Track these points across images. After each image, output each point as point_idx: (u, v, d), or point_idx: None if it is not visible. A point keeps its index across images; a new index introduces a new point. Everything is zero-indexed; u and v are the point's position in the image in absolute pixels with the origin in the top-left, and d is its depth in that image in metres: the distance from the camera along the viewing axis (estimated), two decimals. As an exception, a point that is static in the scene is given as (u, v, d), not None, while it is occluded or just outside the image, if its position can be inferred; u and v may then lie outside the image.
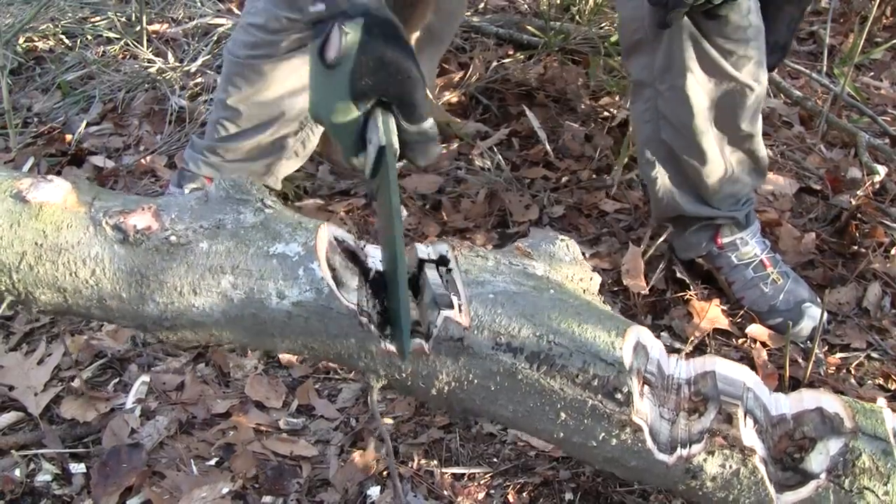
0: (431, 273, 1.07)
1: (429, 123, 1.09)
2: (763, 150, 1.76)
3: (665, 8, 1.47)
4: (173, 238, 1.04)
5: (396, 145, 1.07)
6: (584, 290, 1.14)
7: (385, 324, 1.05)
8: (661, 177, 1.76)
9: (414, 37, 2.07)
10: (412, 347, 1.03)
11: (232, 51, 1.80)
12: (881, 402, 1.56)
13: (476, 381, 1.06)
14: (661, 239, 1.83)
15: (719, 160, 1.71)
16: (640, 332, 1.06)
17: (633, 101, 1.79)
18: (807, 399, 1.05)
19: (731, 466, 1.03)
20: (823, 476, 1.01)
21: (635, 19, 1.65)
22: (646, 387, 1.05)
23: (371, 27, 1.06)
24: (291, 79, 1.77)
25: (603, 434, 1.05)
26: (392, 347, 1.04)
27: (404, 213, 2.03)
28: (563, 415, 1.05)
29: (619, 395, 1.02)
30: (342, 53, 1.05)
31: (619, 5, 1.70)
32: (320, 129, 1.88)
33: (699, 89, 1.63)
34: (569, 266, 1.14)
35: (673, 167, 1.75)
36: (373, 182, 1.09)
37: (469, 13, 2.75)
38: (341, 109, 1.06)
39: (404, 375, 1.06)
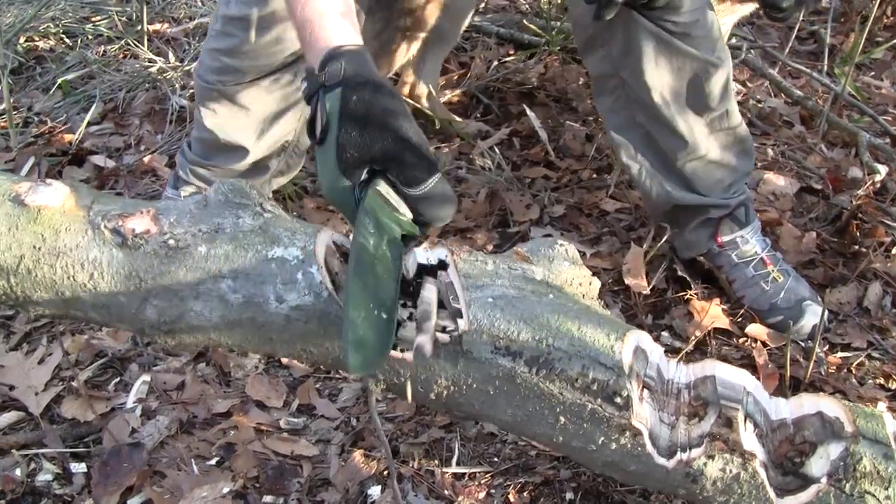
0: (428, 291, 1.03)
1: (430, 184, 1.03)
2: (743, 129, 1.76)
3: (599, 4, 1.50)
4: (172, 242, 1.04)
5: (378, 200, 1.02)
6: (584, 295, 1.14)
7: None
8: (643, 165, 1.77)
9: (420, 38, 2.07)
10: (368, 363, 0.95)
11: (201, 75, 1.76)
12: (882, 405, 1.56)
13: (475, 385, 1.06)
14: (664, 240, 1.83)
15: (696, 142, 1.71)
16: (639, 337, 1.06)
17: (598, 99, 1.80)
18: (807, 403, 1.05)
19: (731, 471, 1.03)
20: (824, 480, 1.01)
21: (584, 15, 1.65)
22: (645, 391, 1.05)
23: (348, 96, 1.02)
24: (264, 103, 1.73)
25: (602, 438, 1.05)
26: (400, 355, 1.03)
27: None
28: (562, 419, 1.05)
29: (618, 399, 1.02)
30: (325, 128, 1.03)
31: (570, 4, 1.71)
32: (304, 148, 1.86)
33: (660, 71, 1.64)
34: (568, 270, 1.14)
35: (653, 153, 1.75)
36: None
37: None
38: (335, 184, 1.03)
39: (403, 380, 1.06)
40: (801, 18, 2.62)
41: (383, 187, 1.03)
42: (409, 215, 1.05)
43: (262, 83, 1.71)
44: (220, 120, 1.76)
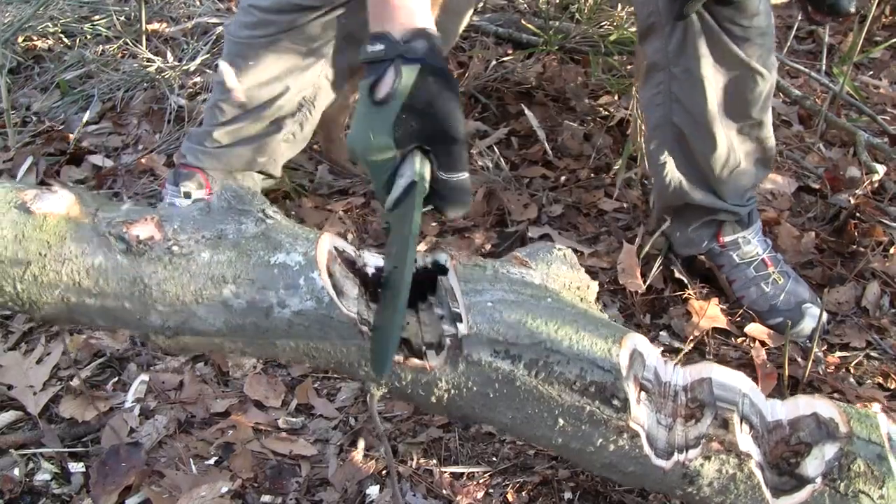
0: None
1: (464, 175, 1.10)
2: (772, 141, 1.76)
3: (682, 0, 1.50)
4: (176, 248, 1.05)
5: (427, 184, 1.08)
6: (582, 298, 1.15)
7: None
8: (669, 162, 1.76)
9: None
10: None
11: (232, 32, 1.82)
12: (877, 407, 1.56)
13: (475, 388, 1.06)
14: (659, 231, 1.83)
15: (729, 147, 1.71)
16: (636, 340, 1.07)
17: (643, 86, 1.78)
18: (802, 405, 1.06)
19: (727, 471, 1.04)
20: (819, 480, 1.02)
21: (648, 4, 1.65)
22: (643, 393, 1.05)
23: (426, 73, 1.08)
24: (288, 57, 1.77)
25: (600, 440, 1.05)
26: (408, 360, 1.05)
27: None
28: (561, 421, 1.05)
29: (616, 402, 1.03)
30: (393, 93, 1.07)
31: None
32: (318, 112, 1.89)
33: (712, 73, 1.64)
34: (566, 274, 1.15)
35: (681, 153, 1.75)
36: (390, 215, 1.09)
37: (469, 12, 2.75)
38: (380, 146, 1.08)
39: (404, 384, 1.07)
40: (799, 17, 2.62)
41: (426, 168, 1.09)
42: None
43: (293, 35, 1.75)
44: (245, 76, 1.80)
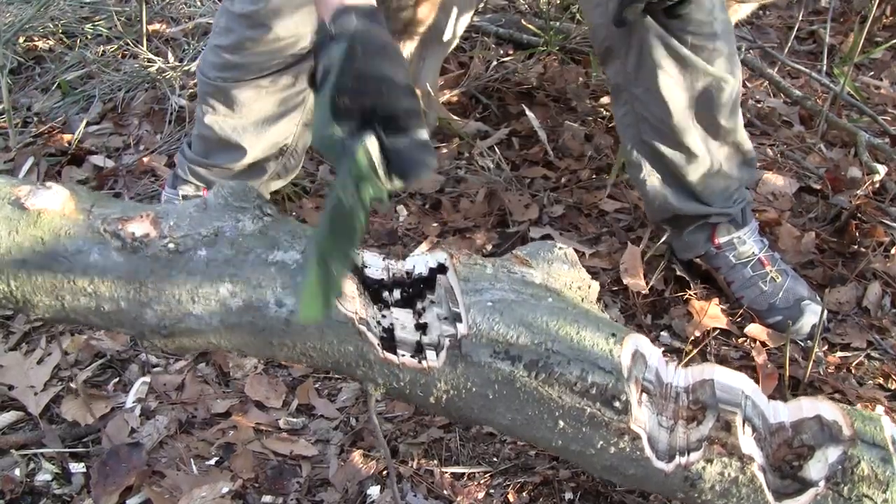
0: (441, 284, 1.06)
1: (417, 135, 1.03)
2: (748, 143, 1.77)
3: (620, 4, 1.49)
4: (172, 245, 1.04)
5: (365, 160, 1.01)
6: (583, 298, 1.14)
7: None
8: (650, 178, 1.77)
9: (416, 37, 2.07)
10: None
11: (203, 71, 1.79)
12: (880, 409, 1.56)
13: (474, 389, 1.06)
14: (662, 241, 1.83)
15: (705, 155, 1.71)
16: (638, 341, 1.06)
17: (614, 107, 1.80)
18: (805, 407, 1.05)
19: (729, 474, 1.03)
20: (822, 484, 1.01)
21: (602, 26, 1.66)
22: (644, 395, 1.05)
23: (353, 47, 1.04)
24: (263, 104, 1.75)
25: (601, 442, 1.05)
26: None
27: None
28: (561, 423, 1.05)
29: (617, 403, 1.02)
30: (325, 76, 1.04)
31: (586, 14, 1.71)
32: (303, 152, 1.88)
33: (673, 86, 1.64)
34: (567, 274, 1.14)
35: (660, 167, 1.76)
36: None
37: (469, 12, 2.74)
38: (327, 132, 1.04)
39: (402, 384, 1.06)
40: (800, 18, 2.61)
41: (372, 142, 1.02)
42: (386, 185, 1.04)
43: (262, 83, 1.73)
44: (219, 117, 1.78)
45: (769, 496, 1.03)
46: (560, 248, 1.15)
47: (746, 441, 1.03)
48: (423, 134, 1.04)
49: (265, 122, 1.77)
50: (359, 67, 1.03)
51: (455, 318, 1.04)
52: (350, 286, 1.06)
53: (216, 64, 1.75)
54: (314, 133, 1.09)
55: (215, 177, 1.85)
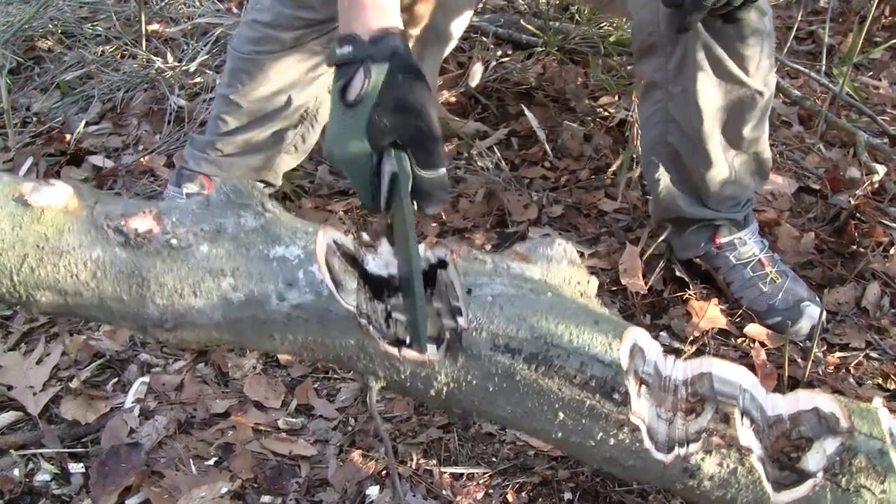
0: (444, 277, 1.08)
1: (441, 172, 1.10)
2: (768, 153, 1.77)
3: (683, 11, 1.47)
4: (174, 241, 1.04)
5: (410, 177, 1.09)
6: (582, 294, 1.14)
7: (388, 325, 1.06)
8: (664, 179, 1.76)
9: (415, 36, 2.07)
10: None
11: (236, 47, 1.84)
12: (878, 401, 1.56)
13: (475, 381, 1.06)
14: (661, 239, 1.83)
15: (723, 164, 1.71)
16: (637, 334, 1.07)
17: (641, 103, 1.79)
18: (803, 399, 1.05)
19: (728, 466, 1.03)
20: (820, 475, 1.02)
21: (650, 23, 1.64)
22: (643, 387, 1.05)
23: (396, 71, 1.09)
24: (292, 72, 1.79)
25: (601, 434, 1.05)
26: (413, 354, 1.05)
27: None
28: (561, 415, 1.05)
29: (616, 395, 1.03)
30: (364, 94, 1.08)
31: (632, 9, 1.69)
32: (321, 125, 1.90)
33: (711, 93, 1.63)
34: (566, 269, 1.14)
35: (676, 170, 1.75)
36: (387, 215, 1.11)
37: (469, 12, 2.75)
38: (356, 148, 1.09)
39: (403, 377, 1.07)
40: (799, 18, 2.62)
41: (405, 162, 1.09)
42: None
43: (296, 54, 1.77)
44: (246, 90, 1.82)
45: (768, 487, 1.03)
46: (559, 243, 1.15)
47: (745, 433, 1.03)
48: (444, 170, 1.11)
49: (293, 86, 1.81)
50: (402, 93, 1.08)
51: (455, 313, 1.04)
52: (351, 280, 1.06)
53: (252, 38, 1.79)
54: (331, 143, 1.13)
55: (232, 151, 1.89)
